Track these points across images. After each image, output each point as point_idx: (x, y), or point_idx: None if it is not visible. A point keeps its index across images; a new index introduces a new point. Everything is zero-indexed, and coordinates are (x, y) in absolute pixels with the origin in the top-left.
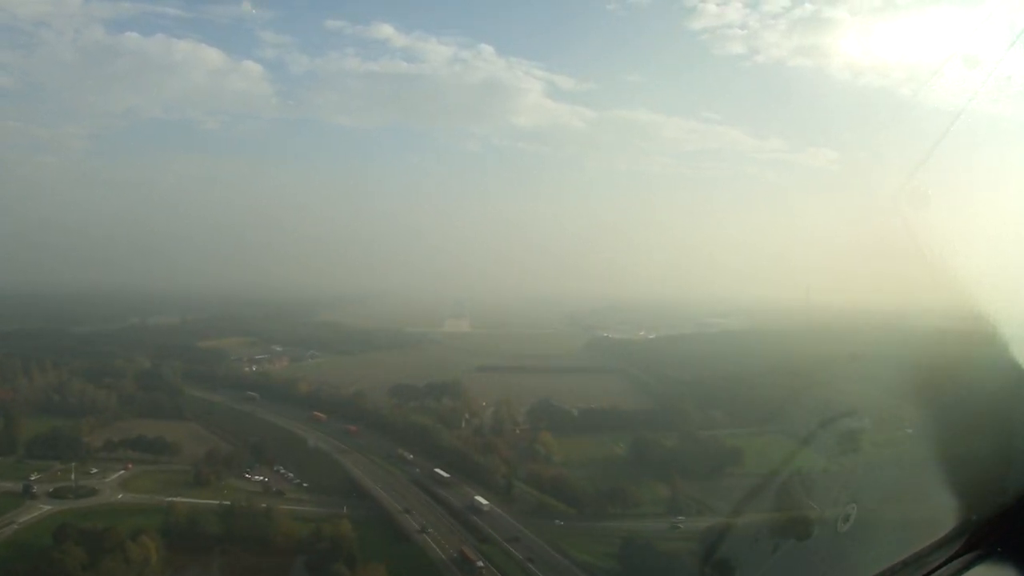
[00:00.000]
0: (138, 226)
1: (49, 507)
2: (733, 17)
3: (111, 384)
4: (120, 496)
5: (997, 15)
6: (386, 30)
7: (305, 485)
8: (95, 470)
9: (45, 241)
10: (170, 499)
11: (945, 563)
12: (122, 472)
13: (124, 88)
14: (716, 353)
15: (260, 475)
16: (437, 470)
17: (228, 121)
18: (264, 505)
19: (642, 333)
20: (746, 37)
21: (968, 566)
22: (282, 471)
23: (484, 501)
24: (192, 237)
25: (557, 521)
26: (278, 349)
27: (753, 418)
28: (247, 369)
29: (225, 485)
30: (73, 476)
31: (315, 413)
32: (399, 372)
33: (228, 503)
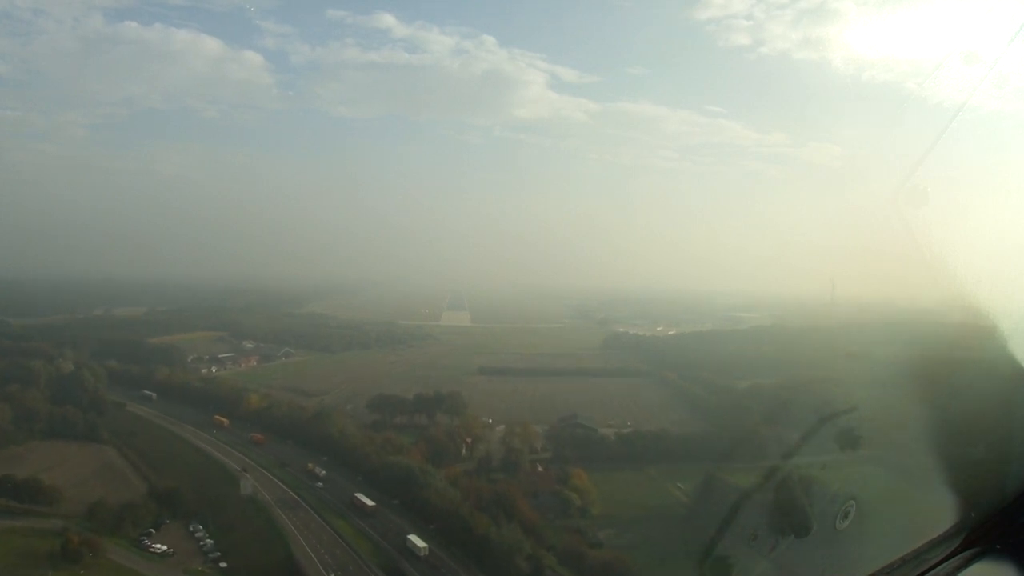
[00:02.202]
0: (135, 215)
1: None
2: (739, 7)
3: (13, 394)
4: None
5: (999, 10)
6: (388, 20)
7: (223, 564)
8: None
9: (41, 229)
10: None
11: (944, 560)
12: None
13: (123, 77)
14: (756, 353)
15: (164, 543)
16: (358, 495)
17: (228, 111)
18: None
19: (660, 328)
20: (751, 28)
21: (967, 563)
22: (199, 531)
23: (421, 543)
24: (189, 226)
25: None
26: (248, 346)
27: (838, 440)
28: (204, 370)
29: (103, 562)
30: None
31: (217, 417)
32: (385, 375)
33: None
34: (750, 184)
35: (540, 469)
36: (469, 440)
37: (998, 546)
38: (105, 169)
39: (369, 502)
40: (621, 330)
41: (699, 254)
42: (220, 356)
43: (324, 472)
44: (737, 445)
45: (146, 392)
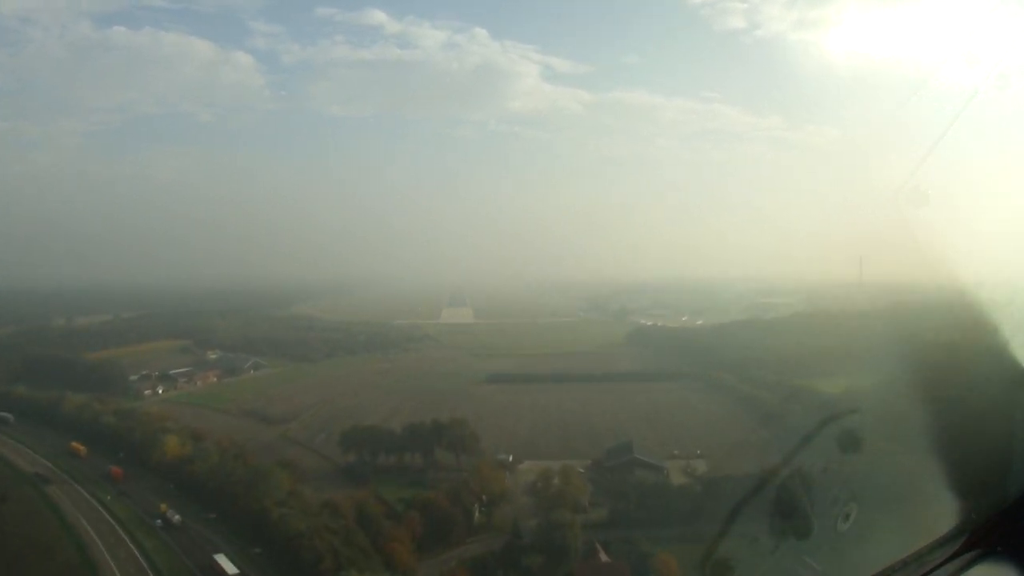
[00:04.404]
0: (130, 221)
1: None
2: None
3: None
4: None
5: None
6: (378, 16)
7: None
8: None
9: (37, 239)
10: None
11: (945, 562)
12: None
13: (115, 83)
14: (810, 345)
15: None
16: (219, 558)
17: (221, 113)
18: None
19: (685, 318)
20: (747, 11)
21: (968, 565)
22: None
23: None
24: (185, 230)
25: None
26: (212, 356)
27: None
28: (148, 391)
29: None
30: None
31: (73, 444)
32: (372, 390)
33: None
34: (748, 169)
35: (603, 556)
36: (483, 497)
37: (999, 548)
38: (100, 176)
39: (232, 569)
40: (644, 323)
41: (703, 241)
42: (172, 372)
43: (179, 519)
44: (872, 492)
45: (2, 415)
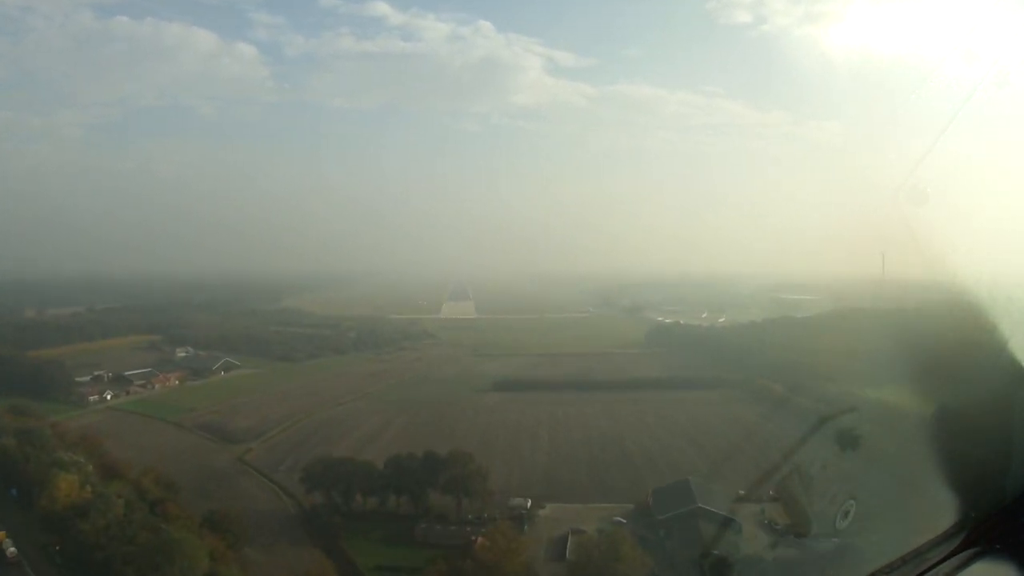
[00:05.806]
0: (132, 213)
1: None
2: None
3: None
4: None
5: None
6: (382, 7)
7: None
8: None
9: (33, 229)
10: None
11: (944, 560)
12: None
13: (117, 75)
14: (858, 347)
15: None
16: None
17: (223, 106)
18: None
19: (705, 315)
20: (753, 4)
21: (967, 563)
22: None
23: None
24: (187, 223)
25: None
26: (181, 355)
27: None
28: (93, 397)
29: None
30: None
31: None
32: (360, 398)
33: None
34: (751, 163)
35: None
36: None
37: (998, 546)
38: (101, 168)
39: None
40: (662, 320)
41: (707, 235)
42: (128, 373)
43: (14, 550)
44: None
45: None
